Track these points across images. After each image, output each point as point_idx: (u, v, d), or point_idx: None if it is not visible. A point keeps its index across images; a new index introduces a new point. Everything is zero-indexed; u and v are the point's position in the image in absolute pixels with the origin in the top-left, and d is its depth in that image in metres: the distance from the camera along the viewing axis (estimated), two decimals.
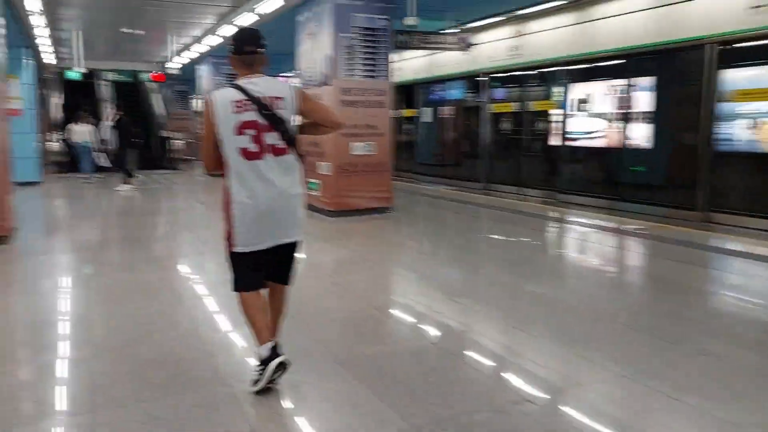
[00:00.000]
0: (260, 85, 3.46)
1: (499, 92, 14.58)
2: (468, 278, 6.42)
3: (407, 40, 11.86)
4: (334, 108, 9.40)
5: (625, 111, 11.04)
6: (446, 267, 6.92)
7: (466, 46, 12.82)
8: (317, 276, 6.24)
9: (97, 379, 3.70)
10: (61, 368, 3.96)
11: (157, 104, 23.79)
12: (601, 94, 11.59)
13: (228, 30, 13.08)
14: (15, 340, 4.52)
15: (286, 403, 3.44)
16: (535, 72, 13.38)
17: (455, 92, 16.28)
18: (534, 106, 13.45)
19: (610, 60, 11.41)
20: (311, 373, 3.76)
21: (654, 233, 8.35)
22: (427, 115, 17.73)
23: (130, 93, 23.98)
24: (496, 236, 9.03)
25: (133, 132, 14.88)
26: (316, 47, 10.20)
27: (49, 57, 18.53)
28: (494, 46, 13.98)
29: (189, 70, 20.29)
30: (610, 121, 11.42)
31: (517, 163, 13.98)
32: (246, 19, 12.07)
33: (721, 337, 4.37)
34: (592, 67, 11.90)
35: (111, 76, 20.24)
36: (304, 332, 4.44)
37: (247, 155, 3.40)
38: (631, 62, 11.00)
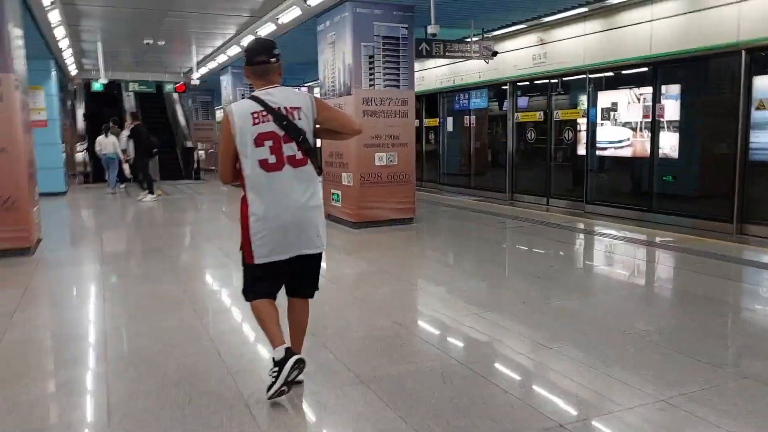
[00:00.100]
0: (277, 95, 3.43)
1: (524, 101, 14.40)
2: (493, 292, 6.25)
3: (430, 48, 11.74)
4: (354, 116, 9.37)
5: (654, 120, 10.80)
6: (471, 280, 6.76)
7: (490, 54, 12.67)
8: (339, 289, 6.11)
9: (115, 397, 3.60)
10: (80, 385, 3.88)
11: (181, 115, 23.92)
12: (629, 102, 11.38)
13: (249, 40, 13.00)
14: (34, 354, 4.43)
15: (309, 425, 3.31)
16: (560, 80, 13.20)
17: (479, 101, 16.12)
18: (560, 114, 13.26)
19: (638, 68, 11.19)
20: (333, 392, 3.63)
21: (686, 246, 8.11)
22: (450, 124, 17.59)
23: (154, 104, 24.21)
24: (522, 248, 8.85)
25: (150, 141, 14.87)
26: (338, 57, 10.10)
27: (73, 68, 18.66)
28: (519, 54, 13.82)
29: (212, 80, 20.34)
30: (638, 130, 11.20)
31: (543, 173, 13.79)
32: (267, 29, 12.06)
33: (763, 359, 4.16)
34: (619, 75, 11.70)
35: (134, 86, 20.34)
36: (326, 349, 4.32)
37: (266, 167, 3.37)
38: (660, 70, 10.78)
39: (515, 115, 14.48)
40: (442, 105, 17.79)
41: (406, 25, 9.97)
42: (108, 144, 15.85)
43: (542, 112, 13.72)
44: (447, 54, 12.10)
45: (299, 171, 3.44)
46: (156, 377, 3.86)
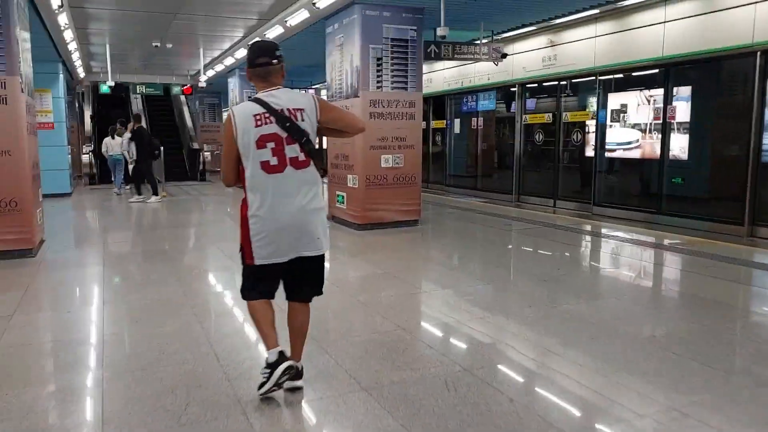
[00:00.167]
0: (280, 97, 3.39)
1: (533, 103, 14.28)
2: (499, 295, 6.14)
3: (438, 51, 11.65)
4: (360, 117, 9.27)
5: (665, 121, 10.66)
6: (476, 283, 6.64)
7: (499, 56, 12.57)
8: (342, 293, 6.01)
9: (110, 404, 3.51)
10: (74, 391, 3.77)
11: (187, 117, 23.94)
12: (640, 104, 11.24)
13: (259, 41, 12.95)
14: (30, 359, 4.34)
15: None
16: (570, 82, 13.07)
17: (487, 103, 16.01)
18: (569, 116, 13.13)
19: (650, 69, 11.05)
20: (334, 399, 3.53)
21: (696, 248, 7.98)
22: (458, 126, 17.49)
23: (161, 106, 24.24)
24: (528, 250, 8.74)
25: (152, 143, 14.81)
26: (345, 59, 10.02)
27: (82, 70, 18.68)
28: (528, 56, 13.71)
29: (219, 82, 20.33)
30: (649, 132, 11.06)
31: (551, 175, 13.65)
32: (275, 32, 12.01)
33: None
34: (630, 77, 11.56)
35: (142, 89, 20.36)
36: (327, 354, 4.22)
37: (268, 168, 3.34)
38: (672, 71, 10.63)
39: (523, 117, 14.37)
40: (450, 107, 17.68)
41: (415, 27, 9.88)
42: (115, 145, 15.81)
43: (551, 114, 13.59)
44: (456, 56, 12.00)
45: (301, 173, 3.40)
46: (152, 384, 3.77)
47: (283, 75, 3.53)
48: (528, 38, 13.66)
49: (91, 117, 22.38)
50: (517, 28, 13.12)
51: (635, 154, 11.38)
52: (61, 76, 15.76)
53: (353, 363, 4.08)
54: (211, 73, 18.94)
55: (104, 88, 18.70)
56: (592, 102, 12.46)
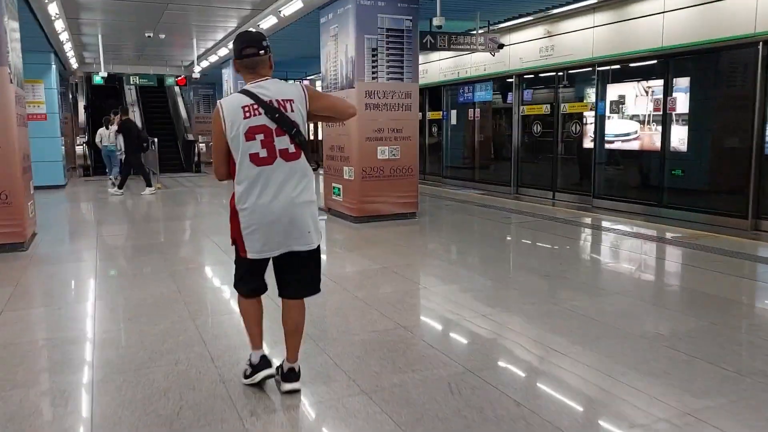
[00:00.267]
0: (268, 88, 3.32)
1: (530, 94, 14.13)
2: (501, 292, 6.00)
3: (434, 41, 11.51)
4: (351, 103, 9.12)
5: (665, 113, 10.52)
6: (477, 279, 6.51)
7: (496, 47, 12.42)
8: (339, 289, 5.87)
9: (99, 409, 3.38)
10: (62, 394, 3.61)
11: (182, 108, 23.78)
12: (639, 95, 11.10)
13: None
14: (17, 359, 4.16)
15: None
16: (568, 73, 12.93)
17: (484, 94, 15.86)
18: (567, 108, 12.99)
19: (649, 60, 10.90)
20: (333, 403, 3.39)
21: (699, 242, 7.86)
22: (454, 117, 17.34)
23: (155, 97, 24.07)
24: (528, 244, 8.61)
25: (141, 135, 14.61)
26: (340, 49, 9.86)
27: (74, 61, 18.48)
28: (525, 46, 13.55)
29: (214, 73, 20.15)
30: (649, 123, 10.92)
31: (549, 167, 13.51)
32: (269, 22, 11.85)
33: None
34: (629, 68, 11.40)
35: (135, 80, 20.17)
36: (324, 355, 4.08)
37: (257, 161, 3.25)
38: (672, 62, 10.49)
39: (521, 108, 14.21)
40: (446, 98, 17.52)
41: (410, 17, 9.72)
42: (107, 136, 15.62)
43: (549, 105, 13.44)
44: (452, 47, 11.87)
45: (291, 165, 3.32)
46: (144, 386, 3.63)
47: (271, 66, 3.45)
48: (525, 28, 13.49)
49: (85, 108, 22.18)
50: (514, 18, 12.98)
51: (635, 145, 11.25)
52: (54, 66, 15.57)
53: (352, 364, 3.95)
54: (205, 63, 18.77)
55: (97, 79, 18.52)
56: (591, 93, 12.31)
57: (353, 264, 7.24)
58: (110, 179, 15.68)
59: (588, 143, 12.41)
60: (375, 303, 5.37)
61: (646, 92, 10.97)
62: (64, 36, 13.54)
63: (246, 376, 3.59)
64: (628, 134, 11.44)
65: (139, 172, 14.48)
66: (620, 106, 11.56)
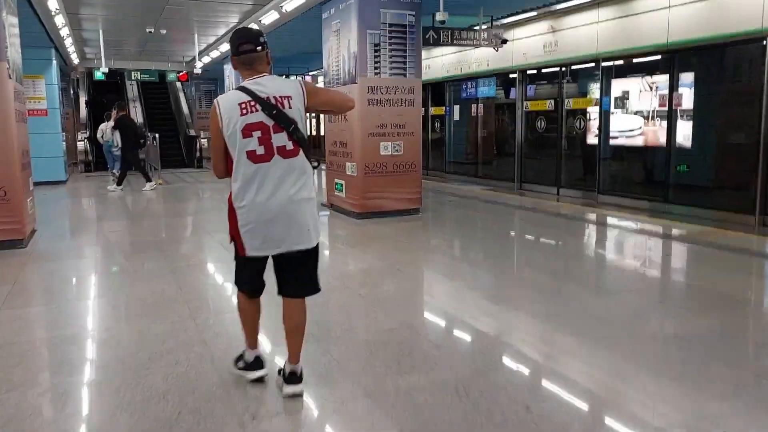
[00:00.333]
0: (266, 85, 3.26)
1: (534, 89, 14.02)
2: (508, 290, 5.89)
3: (437, 36, 11.41)
4: (359, 105, 9.08)
5: (671, 108, 10.41)
6: (483, 277, 6.41)
7: (500, 42, 12.33)
8: (343, 287, 5.78)
9: (96, 412, 3.31)
10: (59, 397, 3.52)
11: (184, 103, 23.70)
12: (644, 91, 10.98)
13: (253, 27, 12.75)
14: (12, 360, 4.06)
15: None
16: (572, 68, 12.81)
17: (487, 90, 15.74)
18: (571, 103, 12.88)
19: (654, 55, 10.78)
20: (337, 407, 3.30)
21: (707, 239, 7.77)
22: (457, 113, 17.23)
23: (157, 93, 23.99)
24: (534, 241, 8.51)
25: (137, 132, 14.48)
26: (343, 45, 9.76)
27: (75, 57, 18.39)
28: (529, 42, 13.42)
29: (215, 69, 20.06)
30: (654, 119, 10.82)
31: (553, 163, 13.40)
32: (270, 17, 11.76)
33: None
34: (634, 63, 11.29)
35: (137, 75, 20.07)
36: (327, 356, 3.98)
37: (254, 158, 3.20)
38: (677, 57, 10.37)
39: (524, 103, 14.10)
40: (449, 93, 17.40)
41: (413, 12, 9.61)
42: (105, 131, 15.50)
43: (552, 101, 13.32)
44: (455, 42, 11.78)
45: (290, 162, 3.25)
46: (143, 388, 3.53)
47: (268, 62, 3.40)
48: (528, 24, 13.36)
49: (86, 103, 22.10)
50: (517, 13, 12.87)
51: (640, 141, 11.15)
52: (54, 62, 15.49)
53: (356, 366, 3.86)
54: (206, 59, 18.66)
55: (98, 75, 18.41)
56: (595, 89, 12.20)
57: (356, 261, 7.15)
58: (113, 174, 15.59)
59: (592, 139, 12.30)
60: (379, 301, 5.28)
61: (651, 88, 10.87)
62: (64, 31, 13.45)
63: (237, 367, 3.65)
64: (632, 130, 11.34)
65: (136, 169, 14.36)
66: (625, 101, 11.45)
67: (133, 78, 20.35)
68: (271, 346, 4.13)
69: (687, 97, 10.18)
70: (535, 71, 13.75)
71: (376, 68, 9.41)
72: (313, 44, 12.09)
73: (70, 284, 6.38)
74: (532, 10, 12.57)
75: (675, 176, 10.60)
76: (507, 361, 4.00)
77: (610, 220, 9.62)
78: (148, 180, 14.20)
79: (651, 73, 10.86)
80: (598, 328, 4.55)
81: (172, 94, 24.55)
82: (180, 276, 6.33)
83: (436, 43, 11.62)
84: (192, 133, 21.72)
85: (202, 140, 21.01)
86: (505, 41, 12.40)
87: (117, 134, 14.10)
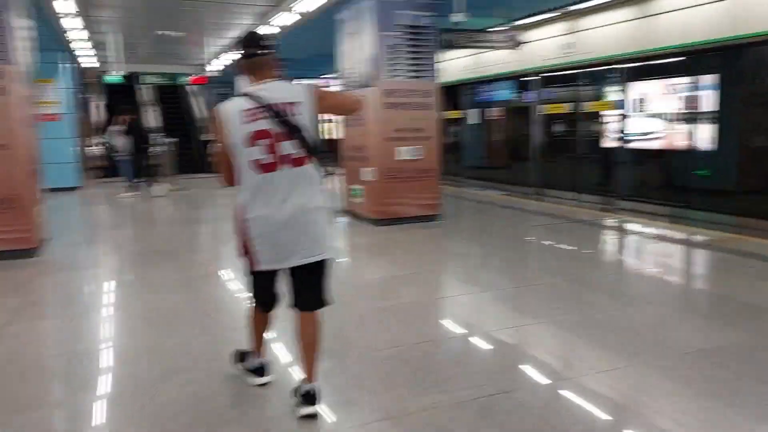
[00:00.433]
0: (272, 90, 3.14)
1: (552, 92, 13.81)
2: (529, 301, 5.65)
3: (454, 38, 11.24)
4: (376, 109, 9.02)
5: (692, 111, 10.19)
6: (505, 286, 6.20)
7: (516, 44, 12.16)
8: (359, 299, 5.61)
9: None
10: (65, 417, 3.40)
11: (198, 108, 23.62)
12: (665, 93, 10.76)
13: (266, 30, 12.65)
14: (18, 377, 3.93)
15: None
16: (590, 71, 12.59)
17: (503, 93, 15.57)
18: (589, 106, 12.66)
19: (675, 57, 10.55)
20: (355, 430, 3.14)
21: (733, 246, 7.53)
22: (473, 116, 17.04)
23: (172, 97, 23.91)
24: (555, 248, 8.29)
25: (146, 137, 14.31)
26: (358, 47, 9.59)
27: (88, 60, 18.33)
28: (546, 43, 13.21)
29: (230, 72, 19.97)
30: (675, 121, 10.59)
31: (571, 167, 13.19)
32: (284, 19, 11.61)
33: None
34: (654, 65, 11.07)
35: (151, 79, 19.99)
36: (344, 374, 3.81)
37: (261, 167, 3.08)
38: (698, 58, 10.14)
39: (542, 107, 13.90)
40: (465, 97, 17.23)
41: (430, 14, 9.42)
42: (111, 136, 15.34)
43: (570, 104, 13.12)
44: (471, 44, 11.62)
45: (297, 171, 3.13)
46: (153, 408, 3.38)
47: (275, 66, 3.27)
48: (545, 25, 13.16)
49: (100, 107, 22.05)
50: (534, 14, 12.65)
51: (660, 144, 10.93)
52: (68, 65, 15.38)
53: (375, 384, 3.69)
54: (221, 61, 18.57)
55: (112, 79, 18.33)
56: (614, 91, 11.98)
57: (375, 270, 6.97)
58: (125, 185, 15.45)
59: (611, 142, 12.09)
60: (398, 314, 5.10)
61: (671, 90, 10.66)
62: (77, 34, 13.37)
63: (243, 367, 3.69)
64: (652, 133, 11.12)
65: (137, 174, 14.10)
66: (644, 104, 11.24)
67: (146, 82, 20.25)
68: (286, 362, 3.96)
69: (708, 99, 9.96)
70: (552, 73, 13.55)
71: (392, 71, 9.23)
72: (327, 47, 11.96)
73: (80, 295, 6.23)
74: (549, 11, 12.36)
75: (698, 181, 10.37)
76: (531, 378, 3.82)
77: (630, 226, 9.38)
78: (133, 189, 13.86)
79: (671, 75, 10.63)
80: (625, 342, 4.34)
81: (186, 97, 24.48)
82: (195, 286, 6.18)
83: (452, 46, 11.46)
84: (206, 137, 21.64)
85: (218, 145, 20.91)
86: (522, 43, 12.23)
87: (122, 139, 13.89)
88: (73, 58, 16.20)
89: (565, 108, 13.28)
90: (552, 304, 5.40)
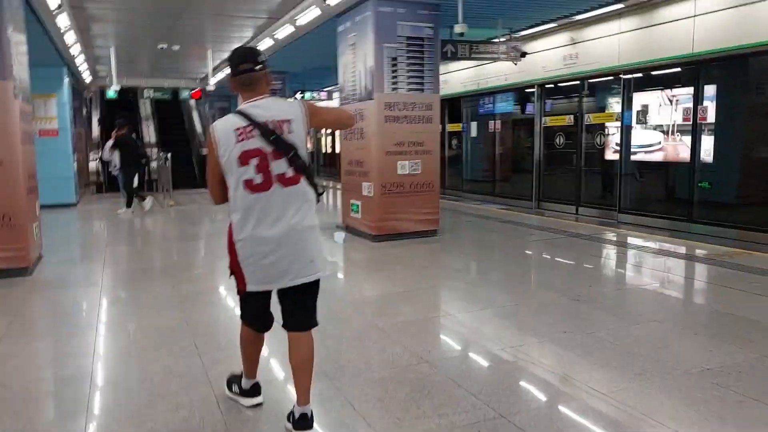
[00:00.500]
0: (265, 107, 3.06)
1: (553, 104, 13.71)
2: (531, 319, 5.51)
3: (455, 50, 11.16)
4: (376, 122, 8.96)
5: (695, 122, 10.07)
6: (504, 304, 6.05)
7: (519, 55, 12.07)
8: (357, 316, 5.49)
9: None
10: None
11: (197, 121, 23.58)
12: (668, 104, 10.66)
13: (266, 43, 12.60)
14: (10, 400, 3.82)
15: None
16: (592, 82, 12.51)
17: (505, 105, 15.48)
18: (591, 118, 12.56)
19: (679, 67, 10.46)
20: None
21: (737, 261, 7.40)
22: (474, 129, 16.95)
23: (171, 111, 23.88)
24: (556, 264, 8.16)
25: (139, 151, 14.07)
26: (359, 59, 9.51)
27: (88, 75, 18.30)
28: (548, 55, 13.14)
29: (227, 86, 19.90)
30: (677, 133, 10.48)
31: (573, 180, 13.08)
32: (285, 32, 11.59)
33: None
34: (657, 76, 10.97)
35: (150, 93, 19.91)
36: (341, 396, 3.69)
37: (252, 187, 3.00)
38: (703, 69, 10.04)
39: (543, 119, 13.80)
40: (466, 109, 17.15)
41: (431, 25, 9.34)
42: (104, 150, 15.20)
43: (572, 116, 13.02)
44: (473, 56, 11.54)
45: (290, 190, 3.05)
46: None
47: (268, 82, 3.20)
48: (548, 36, 13.10)
49: (99, 122, 22.01)
50: (537, 25, 12.59)
51: (663, 157, 10.81)
52: (66, 80, 15.33)
53: (371, 408, 3.55)
54: (220, 75, 18.50)
55: (110, 93, 18.25)
56: (617, 103, 11.89)
57: (373, 287, 6.86)
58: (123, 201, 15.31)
59: (613, 155, 11.99)
60: (396, 333, 4.98)
61: (675, 101, 10.55)
62: (75, 49, 13.30)
63: (233, 392, 3.65)
64: (655, 145, 11.01)
65: (123, 188, 13.71)
66: (647, 115, 11.14)
67: (145, 96, 20.18)
68: (279, 384, 3.84)
69: (712, 111, 9.86)
70: (553, 85, 13.47)
71: (393, 83, 9.15)
72: (328, 59, 11.89)
73: (72, 316, 6.08)
74: (551, 21, 12.29)
75: (699, 193, 10.25)
76: (533, 401, 3.70)
77: (632, 240, 9.26)
78: (128, 205, 13.56)
79: (675, 86, 10.53)
80: (628, 362, 4.22)
81: (186, 112, 24.44)
82: (189, 306, 6.05)
83: (454, 57, 11.38)
84: (205, 152, 21.58)
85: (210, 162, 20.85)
86: (524, 54, 12.15)
87: (116, 154, 13.63)
88: (72, 72, 16.16)
89: (566, 120, 13.18)
90: (555, 323, 5.27)
